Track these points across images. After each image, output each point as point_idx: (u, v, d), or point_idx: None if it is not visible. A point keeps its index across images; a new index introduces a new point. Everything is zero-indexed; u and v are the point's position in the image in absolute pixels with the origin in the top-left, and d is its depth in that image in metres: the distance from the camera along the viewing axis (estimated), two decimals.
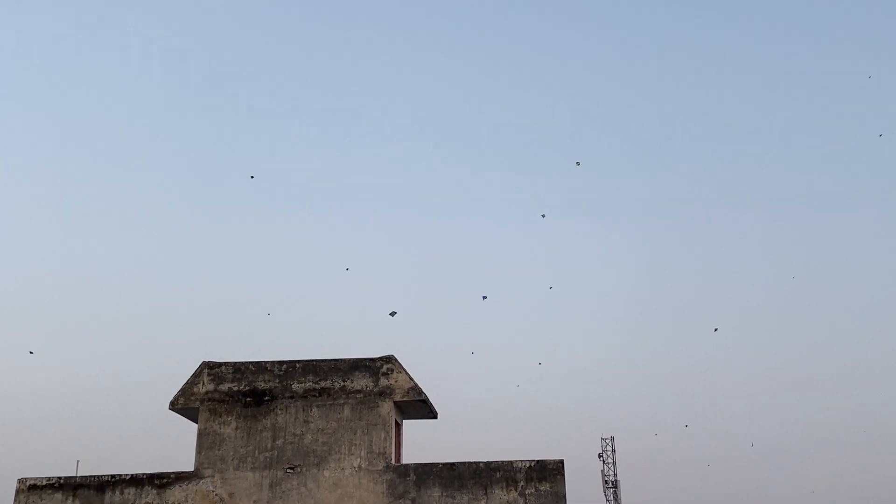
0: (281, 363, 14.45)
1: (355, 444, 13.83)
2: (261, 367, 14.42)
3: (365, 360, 14.41)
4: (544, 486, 13.25)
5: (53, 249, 58.07)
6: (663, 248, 63.50)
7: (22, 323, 51.39)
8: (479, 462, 13.52)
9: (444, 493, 13.35)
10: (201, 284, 58.99)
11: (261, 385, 14.29)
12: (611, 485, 42.83)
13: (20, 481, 13.86)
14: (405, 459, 14.96)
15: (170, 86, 62.86)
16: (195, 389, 14.31)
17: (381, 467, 13.65)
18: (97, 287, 56.39)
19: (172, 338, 52.67)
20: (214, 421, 14.08)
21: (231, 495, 13.58)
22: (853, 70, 62.59)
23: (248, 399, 14.20)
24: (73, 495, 13.67)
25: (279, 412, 14.12)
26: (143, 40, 60.98)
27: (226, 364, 14.49)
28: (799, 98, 64.43)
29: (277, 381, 14.30)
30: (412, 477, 13.53)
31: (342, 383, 14.23)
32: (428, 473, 13.52)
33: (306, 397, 14.18)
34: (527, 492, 13.24)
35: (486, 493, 13.28)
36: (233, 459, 13.82)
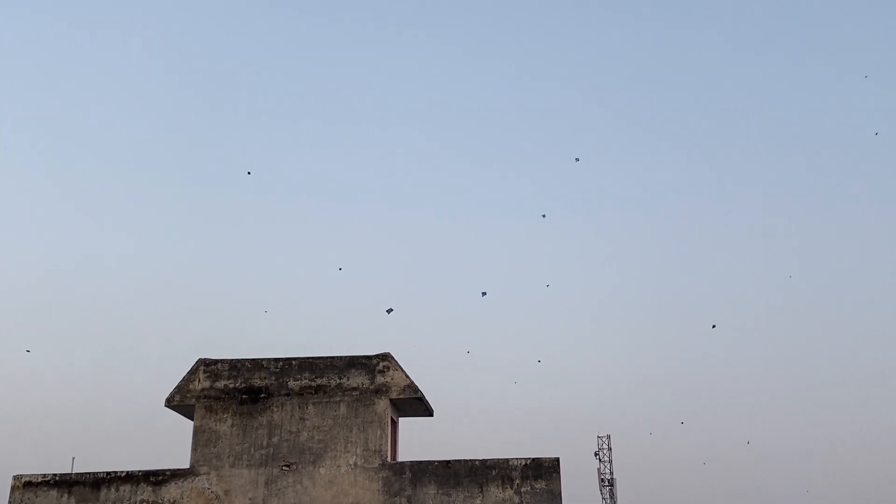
0: (277, 360, 14.44)
1: (351, 442, 13.83)
2: (257, 365, 14.42)
3: (361, 357, 14.41)
4: (540, 484, 13.27)
5: (49, 246, 57.99)
6: (660, 246, 63.55)
7: (17, 319, 51.31)
8: (475, 460, 13.53)
9: (440, 491, 13.35)
10: (198, 281, 58.93)
11: (257, 382, 14.28)
12: (607, 483, 42.91)
13: (15, 478, 13.84)
14: (401, 457, 14.96)
15: (166, 84, 62.77)
16: (191, 386, 14.30)
17: (376, 465, 13.66)
18: (93, 284, 56.34)
19: (168, 335, 52.63)
20: (210, 418, 14.08)
21: (227, 493, 13.58)
22: (851, 69, 62.69)
23: (244, 396, 14.19)
24: (69, 492, 13.66)
25: (275, 409, 14.11)
26: (142, 38, 60.90)
27: (222, 361, 14.47)
28: (797, 97, 64.53)
29: (273, 378, 14.29)
30: (408, 474, 13.54)
31: (338, 381, 14.23)
32: (424, 471, 13.53)
33: (302, 395, 14.18)
34: (522, 489, 13.25)
35: (481, 491, 13.29)
36: (228, 457, 13.82)
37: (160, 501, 13.53)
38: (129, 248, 58.55)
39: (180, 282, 57.53)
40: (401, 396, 14.14)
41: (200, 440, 13.94)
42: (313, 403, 14.13)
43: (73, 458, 18.12)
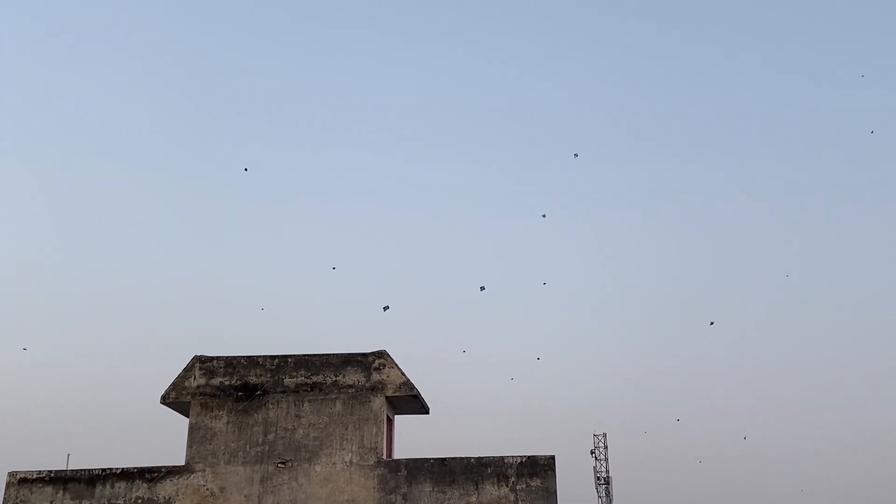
0: (273, 357, 14.44)
1: (347, 439, 13.83)
2: (252, 362, 14.41)
3: (357, 354, 14.41)
4: (535, 482, 13.28)
5: (45, 243, 57.90)
6: (657, 244, 63.57)
7: (13, 316, 51.26)
8: (471, 457, 13.55)
9: (436, 488, 13.37)
10: (194, 278, 58.90)
11: (252, 379, 14.28)
12: (603, 481, 42.95)
13: (10, 475, 13.83)
14: (397, 455, 14.98)
15: (166, 84, 62.67)
16: (187, 383, 14.29)
17: (372, 462, 13.66)
18: (89, 280, 56.28)
19: (164, 332, 52.56)
20: (206, 415, 14.07)
21: (222, 489, 13.57)
22: (848, 68, 62.77)
23: (240, 393, 14.19)
24: (64, 489, 13.65)
25: (271, 407, 14.11)
26: (142, 38, 60.81)
27: (217, 358, 14.47)
28: (798, 95, 64.60)
29: (269, 375, 14.29)
30: (403, 472, 13.55)
31: (334, 378, 14.23)
32: (419, 468, 13.54)
33: (298, 392, 14.18)
34: (518, 487, 13.27)
35: (476, 489, 13.31)
36: (224, 454, 13.81)
37: (155, 498, 13.53)
38: (125, 245, 58.52)
39: (176, 279, 57.51)
40: (397, 394, 14.15)
41: (196, 437, 13.94)
42: (309, 401, 14.13)
43: (69, 455, 18.09)
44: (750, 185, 63.89)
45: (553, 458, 13.49)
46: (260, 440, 13.90)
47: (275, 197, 62.11)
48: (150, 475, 13.70)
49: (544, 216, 51.28)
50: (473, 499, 13.26)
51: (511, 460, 13.46)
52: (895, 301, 57.29)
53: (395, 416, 15.30)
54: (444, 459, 13.59)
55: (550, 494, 13.23)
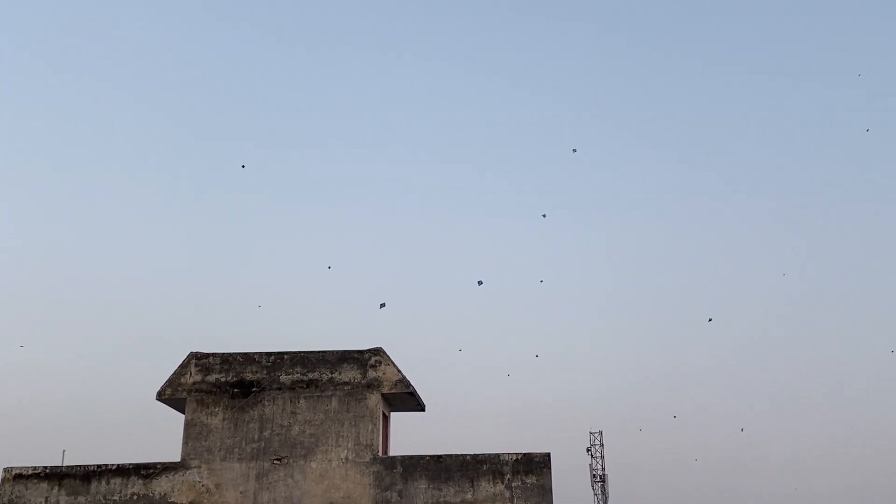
0: (269, 354, 14.43)
1: (342, 436, 13.84)
2: (248, 359, 14.41)
3: (353, 352, 14.41)
4: (531, 479, 13.30)
5: (41, 242, 57.82)
6: (655, 242, 63.64)
7: (9, 313, 51.18)
8: (466, 455, 13.56)
9: (431, 486, 13.38)
10: (191, 276, 58.86)
11: (248, 376, 14.27)
12: (599, 479, 43.01)
13: (5, 470, 13.81)
14: (392, 452, 14.98)
15: (165, 83, 62.59)
16: (182, 380, 14.29)
17: (368, 459, 13.67)
18: (85, 278, 56.20)
19: (160, 329, 52.53)
20: (201, 412, 14.07)
21: (217, 486, 13.57)
22: (846, 68, 62.86)
23: (236, 390, 14.19)
24: (59, 485, 13.64)
25: (266, 403, 14.11)
26: (141, 38, 60.69)
27: (213, 355, 14.46)
28: (798, 95, 64.65)
29: (265, 372, 14.29)
30: (399, 469, 13.56)
31: (330, 375, 14.23)
32: (415, 466, 13.55)
33: (294, 389, 14.18)
34: (513, 484, 13.29)
35: (472, 486, 13.32)
36: (220, 450, 13.81)
37: (151, 495, 13.53)
38: (121, 243, 58.44)
39: (173, 276, 57.46)
40: (393, 391, 14.16)
41: (191, 434, 13.93)
42: (305, 398, 14.13)
43: (64, 451, 18.07)
44: (749, 184, 63.99)
45: (548, 455, 13.51)
46: (256, 437, 13.90)
47: (272, 195, 62.10)
48: (146, 471, 13.70)
49: (544, 216, 51.18)
50: (469, 496, 13.27)
51: (507, 457, 13.47)
52: (895, 301, 57.40)
53: (392, 414, 15.30)
54: (439, 456, 13.60)
55: (546, 492, 13.24)
